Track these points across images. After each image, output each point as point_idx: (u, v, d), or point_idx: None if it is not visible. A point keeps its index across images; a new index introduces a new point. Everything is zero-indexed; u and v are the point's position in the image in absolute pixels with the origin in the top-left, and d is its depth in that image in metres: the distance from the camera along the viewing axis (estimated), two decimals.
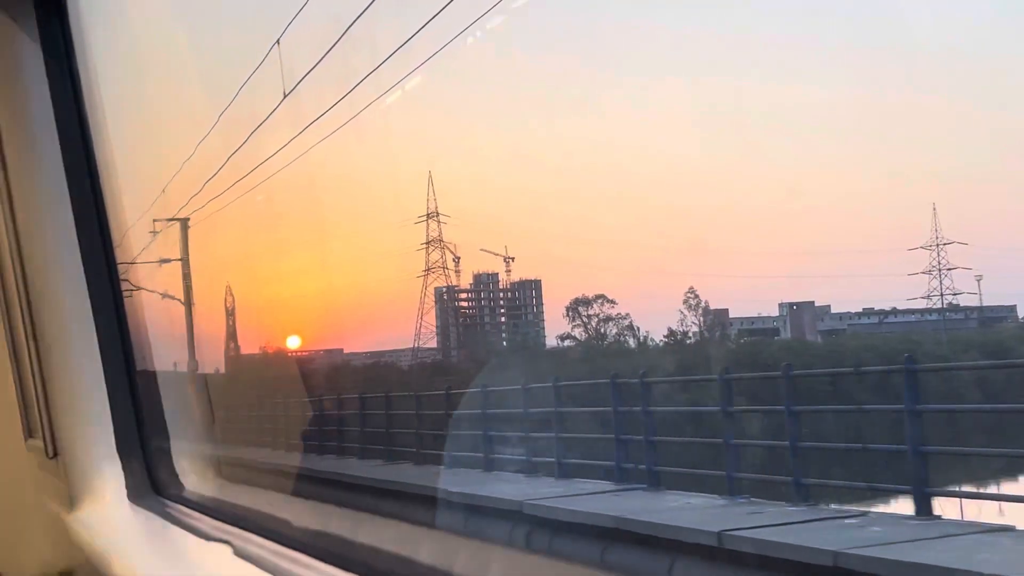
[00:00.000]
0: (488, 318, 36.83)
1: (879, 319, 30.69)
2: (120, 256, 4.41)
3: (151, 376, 4.70)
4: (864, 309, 31.39)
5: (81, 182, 4.19)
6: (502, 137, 37.64)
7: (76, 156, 4.17)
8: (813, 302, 32.33)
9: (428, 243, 37.85)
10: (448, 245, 37.39)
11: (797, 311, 32.11)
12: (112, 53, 5.10)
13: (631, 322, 32.33)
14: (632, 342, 32.55)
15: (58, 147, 4.13)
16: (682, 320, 31.99)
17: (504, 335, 37.23)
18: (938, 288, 29.00)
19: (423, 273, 36.87)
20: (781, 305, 31.85)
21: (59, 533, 4.43)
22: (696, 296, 30.96)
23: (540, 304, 36.64)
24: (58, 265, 4.20)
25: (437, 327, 37.18)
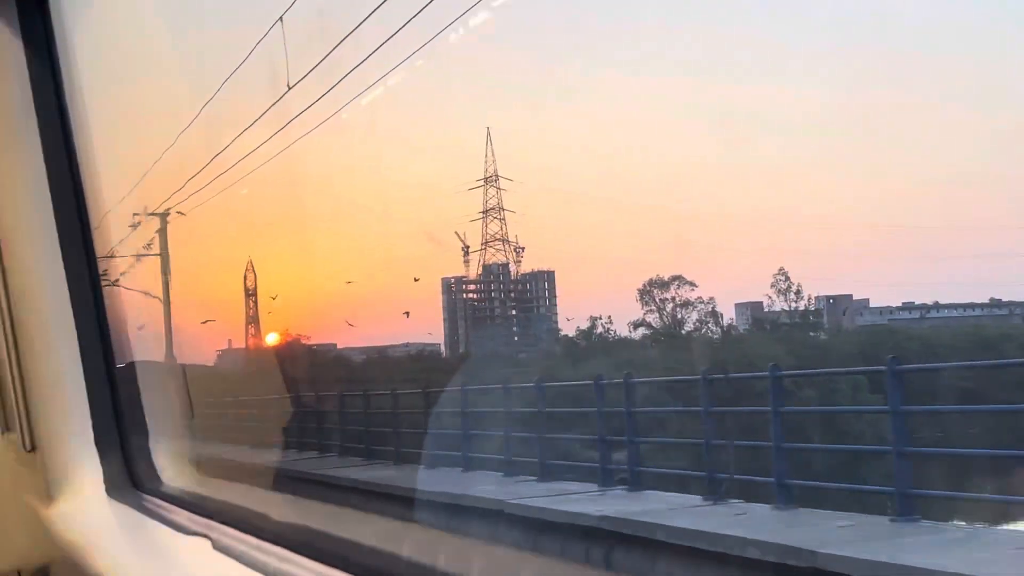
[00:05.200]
0: (499, 310, 36.20)
1: (920, 314, 30.58)
2: (100, 249, 4.61)
3: (130, 369, 4.90)
4: (904, 303, 31.28)
5: (61, 175, 4.37)
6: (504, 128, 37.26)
7: (56, 149, 4.35)
8: (851, 295, 32.25)
9: (486, 212, 35.51)
10: (508, 213, 34.83)
11: (834, 304, 32.04)
12: (94, 46, 5.28)
13: (714, 307, 30.52)
14: (716, 330, 30.67)
15: (38, 140, 4.31)
16: (770, 305, 30.47)
17: (515, 328, 36.61)
18: None
19: (480, 248, 34.74)
20: (818, 298, 31.58)
21: (36, 527, 4.56)
22: (787, 279, 29.50)
23: (553, 296, 35.97)
24: (37, 258, 4.37)
25: (445, 319, 36.37)
